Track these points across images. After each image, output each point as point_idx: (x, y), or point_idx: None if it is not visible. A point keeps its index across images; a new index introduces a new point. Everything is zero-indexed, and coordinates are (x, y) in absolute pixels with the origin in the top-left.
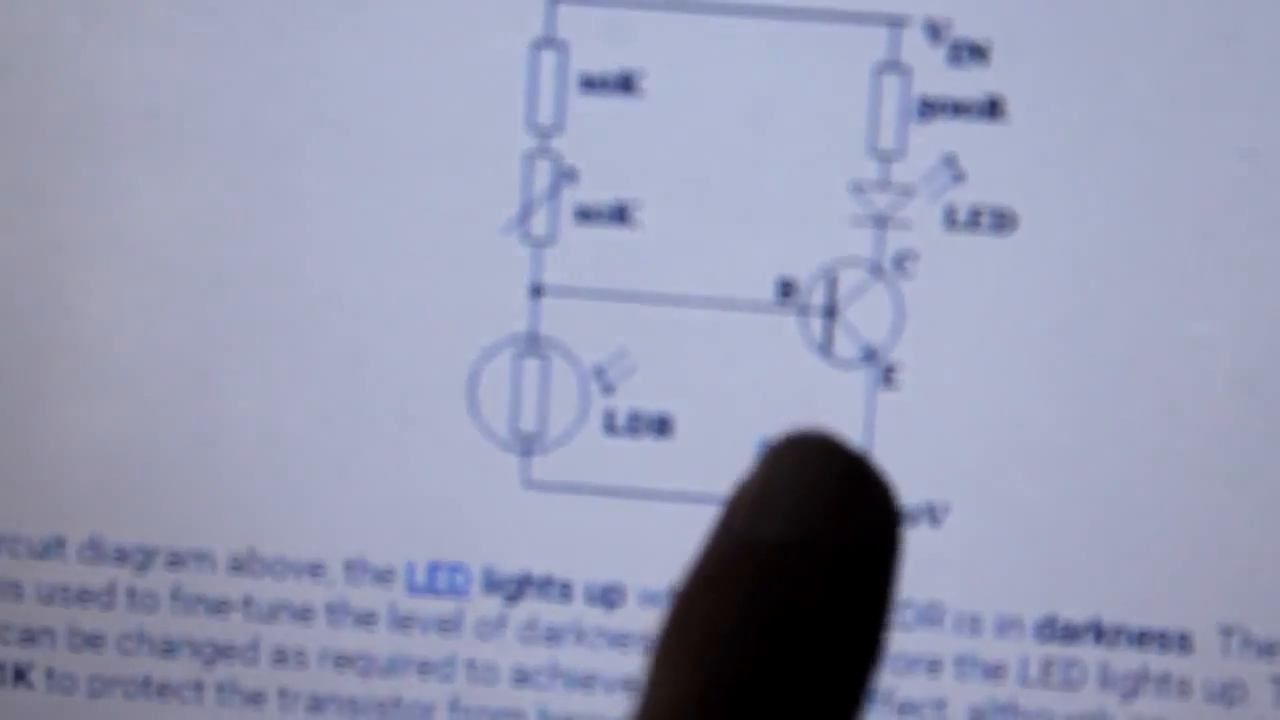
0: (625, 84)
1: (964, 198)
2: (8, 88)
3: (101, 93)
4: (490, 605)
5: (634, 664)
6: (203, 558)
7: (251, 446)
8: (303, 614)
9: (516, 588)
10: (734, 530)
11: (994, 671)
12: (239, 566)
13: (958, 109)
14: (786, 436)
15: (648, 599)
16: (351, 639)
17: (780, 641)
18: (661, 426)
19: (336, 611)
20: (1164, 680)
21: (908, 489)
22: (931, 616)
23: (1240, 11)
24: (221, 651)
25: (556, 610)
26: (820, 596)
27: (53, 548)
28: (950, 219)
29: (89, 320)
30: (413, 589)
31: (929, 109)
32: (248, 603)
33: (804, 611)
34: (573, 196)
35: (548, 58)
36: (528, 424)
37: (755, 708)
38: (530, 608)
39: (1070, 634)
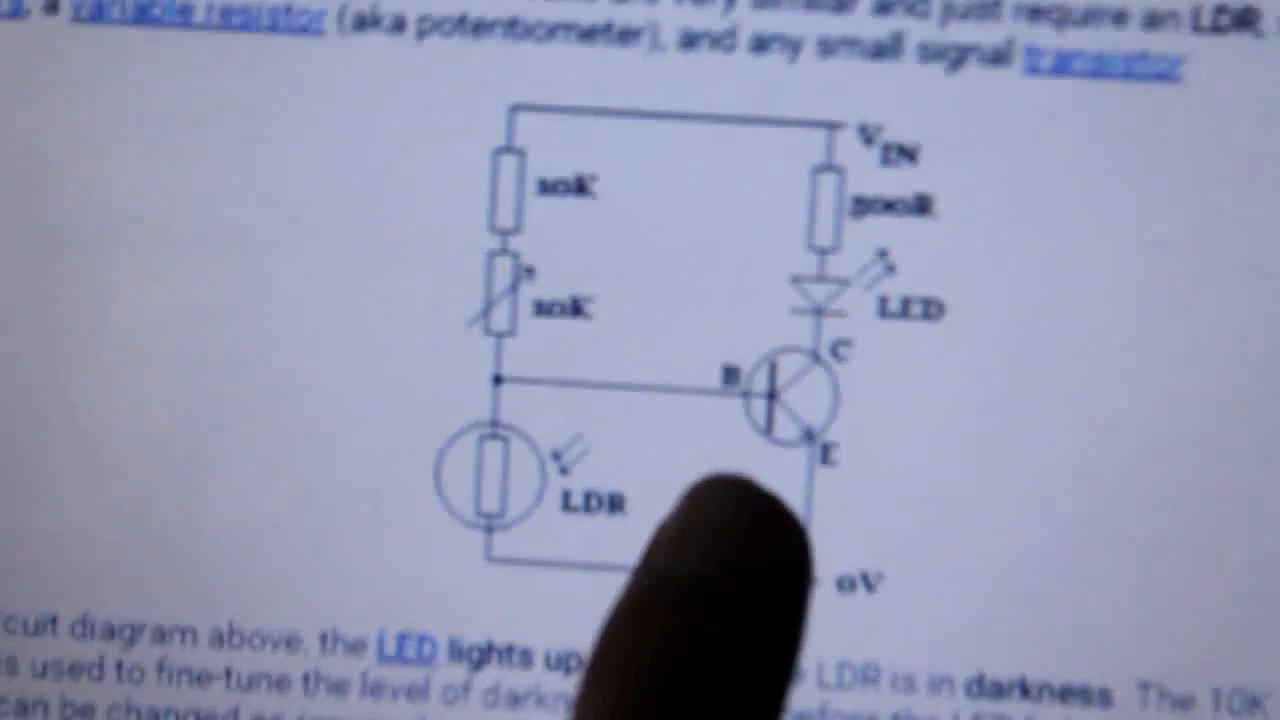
0: (579, 187)
1: (895, 288)
2: (3, 194)
3: (89, 199)
4: (456, 673)
5: None
6: (186, 632)
7: (231, 528)
8: (280, 683)
9: (480, 656)
10: (654, 566)
11: None
12: (220, 640)
13: (889, 206)
14: (704, 479)
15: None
16: (326, 706)
17: (697, 667)
18: (615, 504)
19: (311, 680)
20: None
21: (845, 558)
22: (868, 676)
23: (1152, 108)
24: (205, 719)
25: (518, 676)
26: (733, 626)
27: (46, 625)
28: (883, 308)
29: (78, 413)
30: (383, 658)
31: (862, 206)
32: (229, 673)
33: (719, 638)
34: (531, 292)
35: (507, 163)
36: (490, 503)
37: None
38: (493, 674)
39: (998, 691)
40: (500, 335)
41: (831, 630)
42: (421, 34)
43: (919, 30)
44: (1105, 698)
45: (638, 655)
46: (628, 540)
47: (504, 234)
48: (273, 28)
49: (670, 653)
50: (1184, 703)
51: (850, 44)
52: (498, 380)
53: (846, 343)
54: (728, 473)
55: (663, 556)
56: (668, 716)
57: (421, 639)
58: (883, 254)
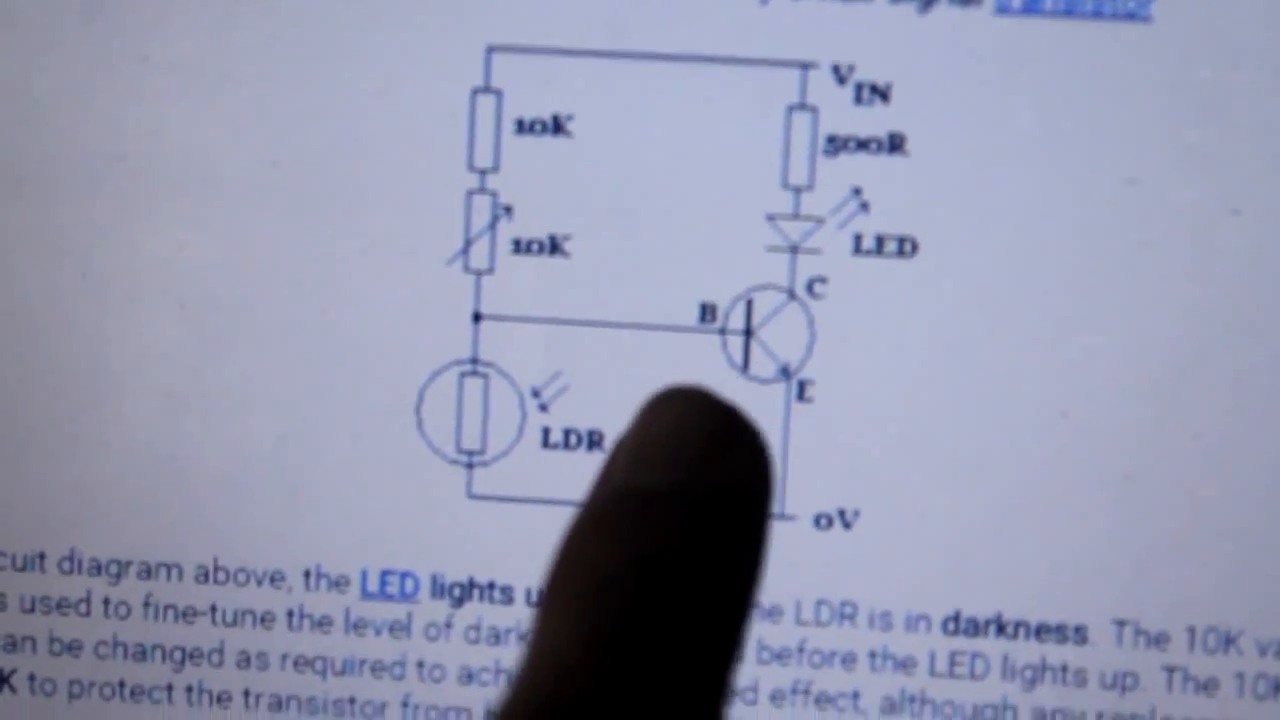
0: (556, 126)
1: (869, 226)
2: None
3: (72, 140)
4: (438, 609)
5: None
6: (172, 568)
7: (217, 466)
8: (264, 619)
9: (462, 592)
10: (613, 480)
11: (904, 664)
12: (205, 576)
13: (862, 145)
14: (662, 390)
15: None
16: (310, 642)
17: (658, 582)
18: (594, 440)
19: (295, 617)
20: (1062, 670)
21: (822, 495)
22: (845, 613)
23: (1121, 47)
24: (190, 655)
25: (499, 613)
26: (694, 538)
27: (34, 561)
28: (857, 245)
29: (65, 352)
30: (365, 595)
31: (836, 145)
32: (214, 610)
33: (679, 552)
34: (509, 231)
35: (485, 103)
36: (471, 440)
37: (637, 646)
38: (475, 611)
39: (974, 629)
40: (479, 273)
41: (809, 567)
42: None
43: None
44: (1081, 635)
45: (599, 570)
46: None
47: (482, 173)
48: None
49: (631, 569)
50: (1159, 640)
51: None
52: (477, 318)
53: (822, 280)
54: (685, 384)
55: (621, 470)
56: (631, 634)
57: (404, 575)
58: (856, 192)
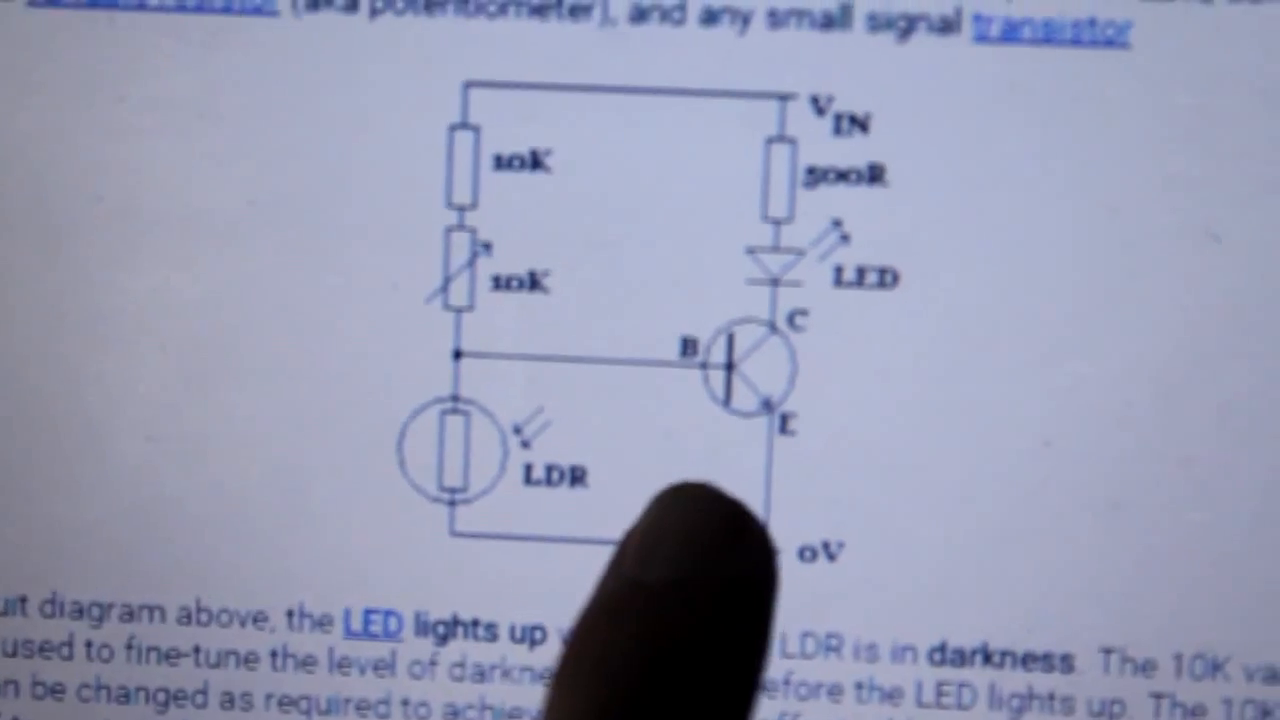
0: (534, 162)
1: (850, 257)
2: None
3: (50, 181)
4: (422, 647)
5: None
6: (154, 610)
7: (198, 507)
8: (248, 660)
9: (446, 630)
10: (623, 571)
11: (891, 695)
12: (188, 618)
13: (842, 176)
14: (670, 486)
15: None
16: (294, 682)
17: (665, 670)
18: (576, 476)
19: (279, 657)
20: (1049, 699)
21: (806, 528)
22: (831, 645)
23: (1100, 74)
24: (174, 697)
25: (484, 650)
26: (701, 628)
27: (15, 605)
28: (838, 277)
29: (46, 395)
30: (349, 634)
31: (815, 176)
32: (197, 651)
33: (687, 641)
34: (488, 267)
35: (462, 139)
36: (453, 478)
37: None
38: (459, 648)
39: (961, 658)
40: (459, 310)
41: (794, 600)
42: (375, 12)
43: (867, 0)
44: (1068, 663)
45: (608, 659)
46: (590, 512)
47: (461, 209)
48: (227, 9)
49: (641, 655)
50: (1146, 667)
51: (799, 15)
52: (458, 355)
53: (803, 312)
54: (693, 480)
55: (631, 561)
56: (637, 718)
57: (388, 614)
58: (837, 223)
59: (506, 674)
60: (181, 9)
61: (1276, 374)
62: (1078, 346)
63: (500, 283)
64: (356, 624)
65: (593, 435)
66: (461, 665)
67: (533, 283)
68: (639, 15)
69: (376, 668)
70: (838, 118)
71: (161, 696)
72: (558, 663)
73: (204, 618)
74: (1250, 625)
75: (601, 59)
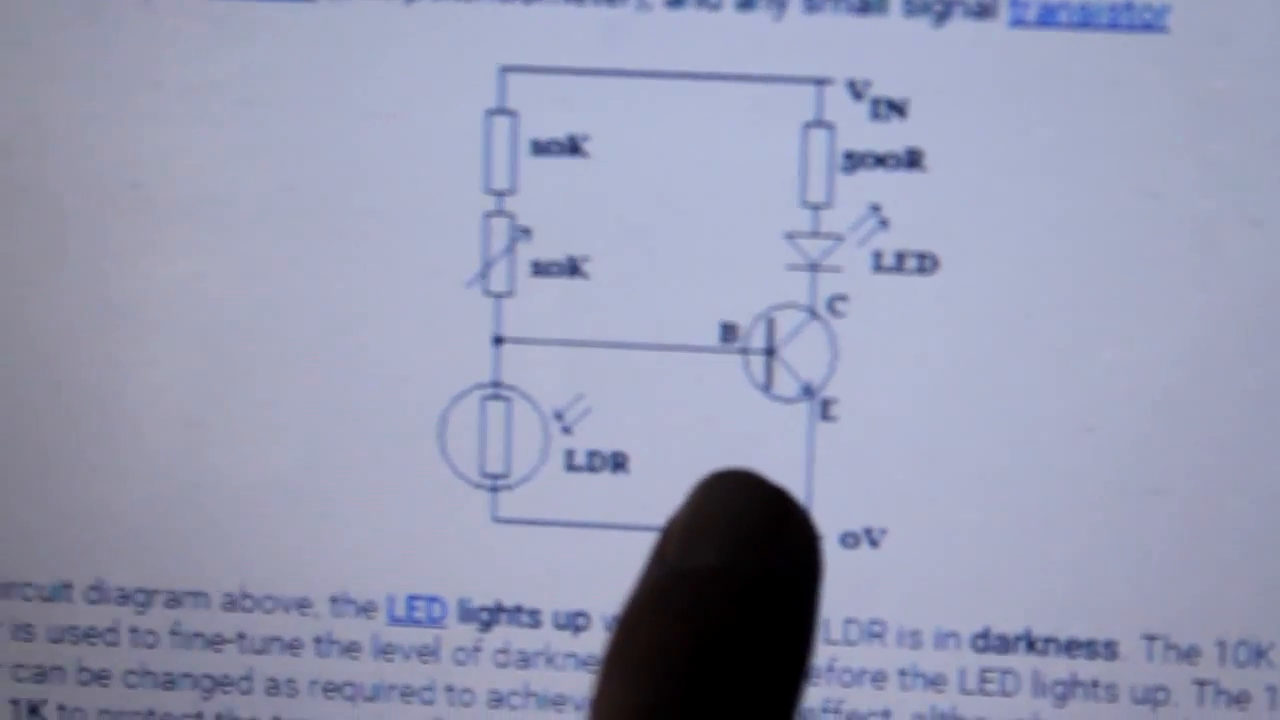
0: (572, 147)
1: (889, 243)
2: (3, 164)
3: (89, 167)
4: (465, 633)
5: None
6: (199, 597)
7: (241, 493)
8: (292, 646)
9: (489, 616)
10: (667, 560)
11: (935, 682)
12: (232, 604)
13: (880, 161)
14: (712, 473)
15: (611, 623)
16: (338, 668)
17: (712, 656)
18: (618, 463)
19: (323, 643)
20: (1093, 686)
21: (848, 514)
22: (874, 632)
23: (1138, 58)
24: (218, 683)
25: (527, 636)
26: (747, 614)
27: (61, 591)
28: (877, 262)
29: (84, 382)
30: (393, 620)
31: (853, 161)
32: (241, 637)
33: (733, 628)
34: (528, 253)
35: (500, 125)
36: (494, 464)
37: (692, 716)
38: (503, 634)
39: (1004, 645)
40: (499, 296)
41: (836, 586)
42: None
43: None
44: (1111, 650)
45: (655, 648)
46: (631, 498)
47: (499, 195)
48: None
49: (688, 644)
50: (1189, 654)
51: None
52: (498, 341)
53: (843, 298)
54: (736, 468)
55: (674, 550)
56: (687, 708)
57: (431, 600)
58: (875, 208)
59: (550, 660)
60: None
61: None
62: (1118, 332)
63: (540, 268)
64: (400, 610)
65: (634, 421)
66: (505, 651)
67: (572, 268)
68: (675, 0)
69: (420, 654)
70: (875, 102)
71: (206, 682)
72: (604, 652)
73: (248, 604)
74: None
75: (640, 44)
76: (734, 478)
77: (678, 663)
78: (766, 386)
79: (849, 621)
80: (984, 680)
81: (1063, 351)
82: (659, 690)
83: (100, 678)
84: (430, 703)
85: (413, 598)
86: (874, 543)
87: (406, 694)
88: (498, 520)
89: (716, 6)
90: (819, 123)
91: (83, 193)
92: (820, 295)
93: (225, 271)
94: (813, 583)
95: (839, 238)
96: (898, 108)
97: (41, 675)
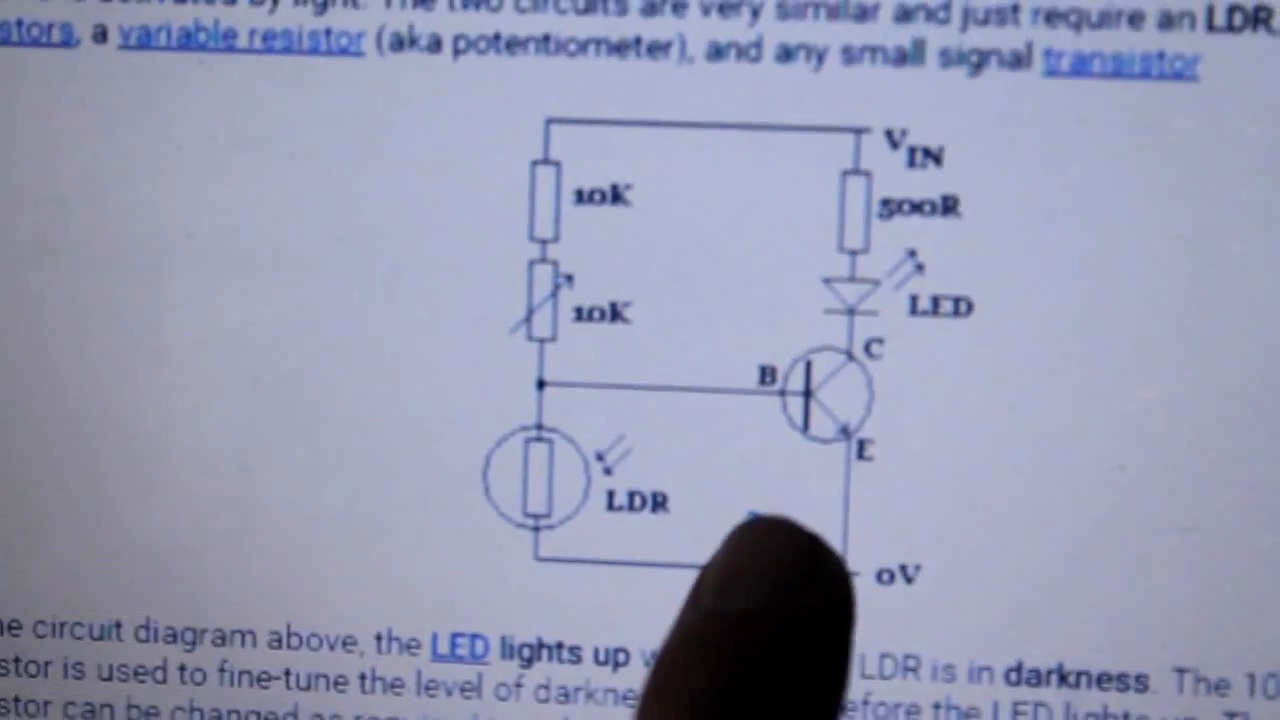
0: (614, 195)
1: (925, 287)
2: (62, 217)
3: (142, 220)
4: (507, 670)
5: None
6: (246, 635)
7: (288, 533)
8: (338, 683)
9: (531, 653)
10: (702, 604)
11: (969, 715)
12: (279, 642)
13: (916, 207)
14: (746, 521)
15: (650, 659)
16: (382, 704)
17: (747, 698)
18: (658, 502)
19: (368, 679)
20: (1124, 718)
21: (883, 551)
22: (909, 666)
23: (1170, 106)
24: (265, 719)
25: (568, 672)
26: (781, 657)
27: (110, 630)
28: (913, 306)
29: (140, 426)
30: (436, 657)
31: (890, 208)
32: (288, 674)
33: (767, 670)
34: (570, 299)
35: (545, 174)
36: (537, 504)
37: None
38: (544, 671)
39: (1037, 679)
40: (542, 341)
41: (872, 622)
42: (458, 52)
43: (940, 36)
44: (1142, 683)
45: (690, 690)
46: (671, 537)
47: (543, 243)
48: (314, 50)
49: (723, 686)
50: (1219, 687)
51: (873, 51)
52: (541, 385)
53: (879, 341)
54: (770, 514)
55: (710, 595)
56: None
57: (474, 637)
58: (911, 254)
59: (590, 695)
60: (270, 50)
61: None
62: (1150, 372)
63: (582, 314)
64: (443, 647)
65: (673, 462)
66: (546, 687)
67: (614, 314)
68: (716, 52)
69: (463, 690)
70: (911, 150)
71: (253, 719)
72: (641, 693)
73: (294, 642)
74: None
75: (680, 95)
76: (768, 524)
77: (712, 704)
78: (804, 427)
79: (884, 656)
80: (1017, 713)
81: (1095, 391)
82: None
83: (149, 715)
84: None
85: (456, 635)
86: (909, 579)
87: None
88: (540, 559)
89: (756, 59)
90: (857, 170)
91: (137, 244)
92: (857, 338)
93: (275, 319)
94: (845, 623)
95: (875, 282)
96: (934, 156)
97: (91, 713)
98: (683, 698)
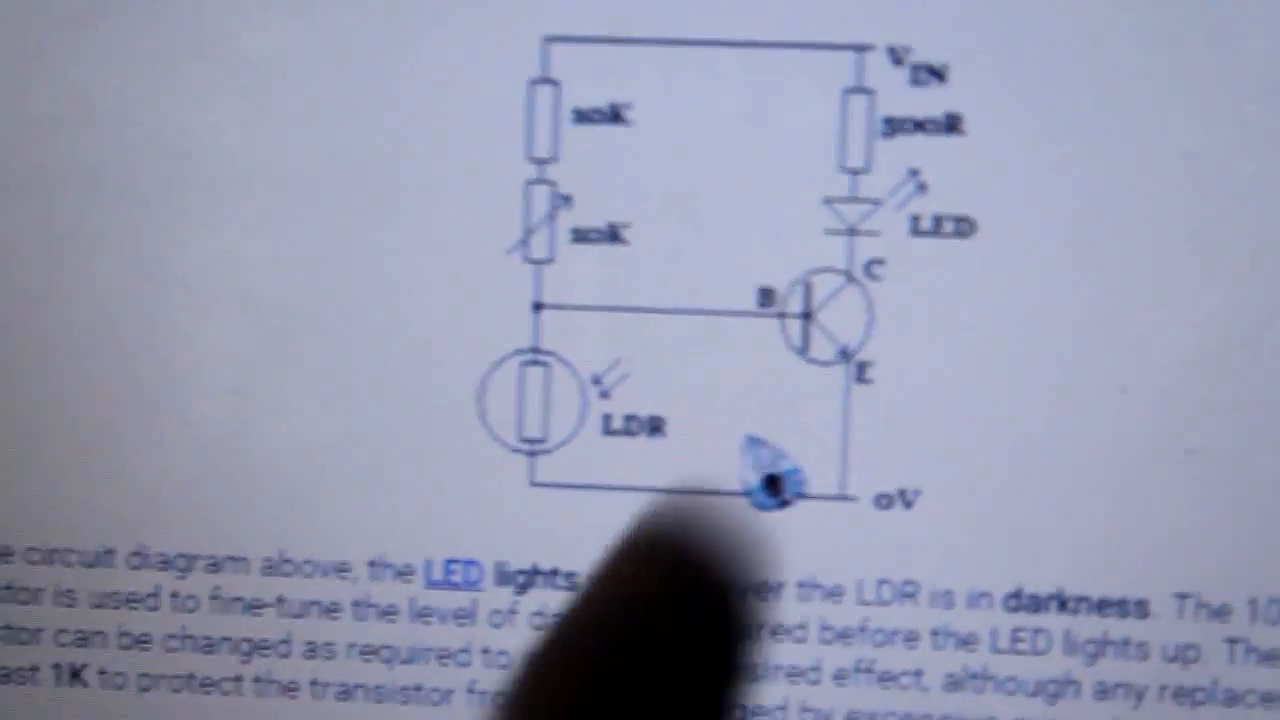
0: (613, 115)
1: (927, 207)
2: (57, 140)
3: (137, 139)
4: (502, 596)
5: None
6: (238, 561)
7: (281, 459)
8: (331, 610)
9: (525, 579)
10: (589, 597)
11: (967, 641)
12: (271, 568)
13: (919, 126)
14: (637, 516)
15: None
16: (376, 631)
17: (631, 682)
18: (655, 426)
19: (361, 606)
20: (1124, 644)
21: (882, 475)
22: (907, 592)
23: (1176, 27)
24: (257, 647)
25: (563, 599)
26: (672, 632)
27: (102, 557)
28: (915, 227)
29: (134, 350)
30: (430, 584)
31: (892, 127)
32: (280, 601)
33: (659, 646)
34: (568, 220)
35: (543, 94)
36: (532, 429)
37: None
38: (539, 597)
39: (1036, 605)
40: (539, 263)
41: (870, 547)
42: None
43: None
44: (1142, 609)
45: (572, 678)
46: (668, 462)
47: (541, 163)
48: None
49: (608, 669)
50: (1220, 612)
51: None
52: (538, 307)
53: (880, 262)
54: (659, 507)
55: (597, 586)
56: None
57: (468, 564)
58: (914, 173)
59: None
60: None
61: None
62: (1154, 293)
63: (580, 235)
64: (437, 574)
65: (671, 385)
66: (541, 614)
67: (612, 235)
68: None
69: (457, 617)
70: (915, 68)
71: (245, 646)
72: (512, 688)
73: (287, 568)
74: None
75: (679, 12)
76: (657, 514)
77: (592, 691)
78: (803, 350)
79: (882, 582)
80: (1016, 640)
81: (1098, 313)
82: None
83: (141, 642)
84: (466, 665)
85: (450, 561)
86: (908, 504)
87: (443, 656)
88: (535, 484)
89: None
90: (859, 88)
91: (130, 165)
92: (857, 259)
93: (269, 241)
94: (730, 615)
95: (877, 202)
96: (937, 73)
97: (83, 640)
98: (564, 686)
